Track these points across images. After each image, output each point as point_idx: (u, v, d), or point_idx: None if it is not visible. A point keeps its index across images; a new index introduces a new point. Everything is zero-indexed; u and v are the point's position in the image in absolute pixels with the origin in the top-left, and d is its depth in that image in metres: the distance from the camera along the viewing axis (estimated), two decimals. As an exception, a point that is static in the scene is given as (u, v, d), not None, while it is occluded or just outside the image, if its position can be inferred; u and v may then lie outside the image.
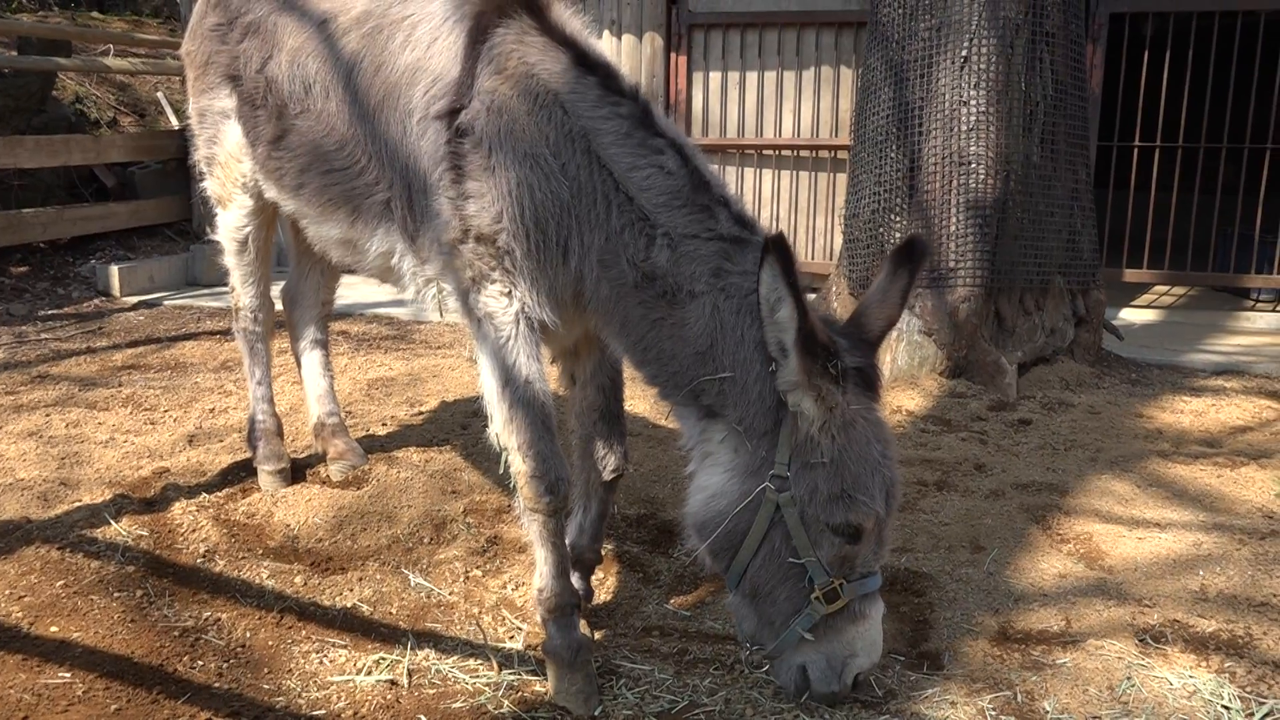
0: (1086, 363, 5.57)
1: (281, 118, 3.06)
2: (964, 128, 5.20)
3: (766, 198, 8.25)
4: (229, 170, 3.52)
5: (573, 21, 2.66)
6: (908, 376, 5.20)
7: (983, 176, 5.17)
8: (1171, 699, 2.53)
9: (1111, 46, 7.62)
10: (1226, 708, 2.48)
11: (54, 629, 2.80)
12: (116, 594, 2.99)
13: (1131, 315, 7.67)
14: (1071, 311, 5.60)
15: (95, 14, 13.45)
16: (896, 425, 4.69)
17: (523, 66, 2.50)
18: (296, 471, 3.99)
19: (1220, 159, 7.95)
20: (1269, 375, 5.78)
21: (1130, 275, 7.85)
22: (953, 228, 5.20)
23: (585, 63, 2.51)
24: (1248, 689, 2.57)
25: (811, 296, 6.41)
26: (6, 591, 2.97)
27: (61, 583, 3.04)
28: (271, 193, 3.31)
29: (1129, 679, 2.61)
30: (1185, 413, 4.99)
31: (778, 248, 2.11)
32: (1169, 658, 2.73)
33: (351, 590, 3.12)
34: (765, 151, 8.22)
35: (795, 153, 8.13)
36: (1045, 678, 2.64)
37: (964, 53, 5.22)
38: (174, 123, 10.06)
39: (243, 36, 3.27)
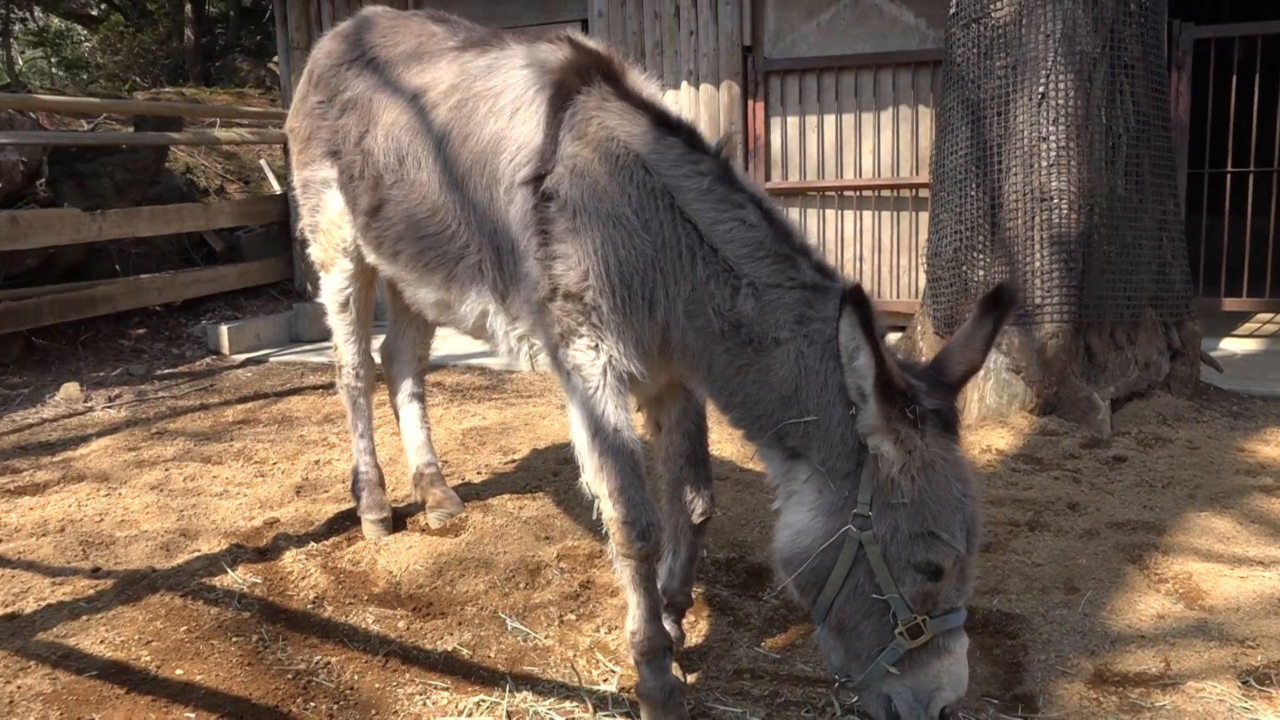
0: (1184, 396, 5.45)
1: (378, 188, 3.26)
2: (1044, 164, 5.19)
3: (849, 238, 8.28)
4: (331, 237, 3.73)
5: (648, 85, 2.79)
6: (997, 415, 5.16)
7: (1065, 211, 5.15)
8: (1276, 741, 2.48)
9: (1198, 72, 7.50)
10: (1336, 751, 2.43)
11: (179, 671, 2.98)
12: (234, 638, 3.17)
13: (1233, 345, 7.45)
14: (1166, 344, 5.49)
15: (202, 88, 14.25)
16: (986, 464, 4.66)
17: (604, 131, 2.63)
18: (397, 520, 4.15)
19: (1320, 182, 7.71)
20: (1381, 404, 5.56)
21: (1230, 304, 7.64)
22: (1037, 264, 5.18)
23: (665, 123, 2.63)
24: (1359, 731, 2.51)
25: (896, 336, 6.41)
26: (135, 636, 3.18)
27: (185, 628, 3.23)
28: (371, 258, 3.51)
29: (1231, 721, 2.57)
30: (1291, 446, 4.85)
31: (855, 298, 2.18)
32: (1274, 701, 2.67)
33: (452, 634, 3.24)
34: (846, 192, 8.26)
35: (876, 192, 8.15)
36: None
37: (1041, 89, 5.22)
38: (276, 188, 10.58)
39: (341, 113, 3.49)
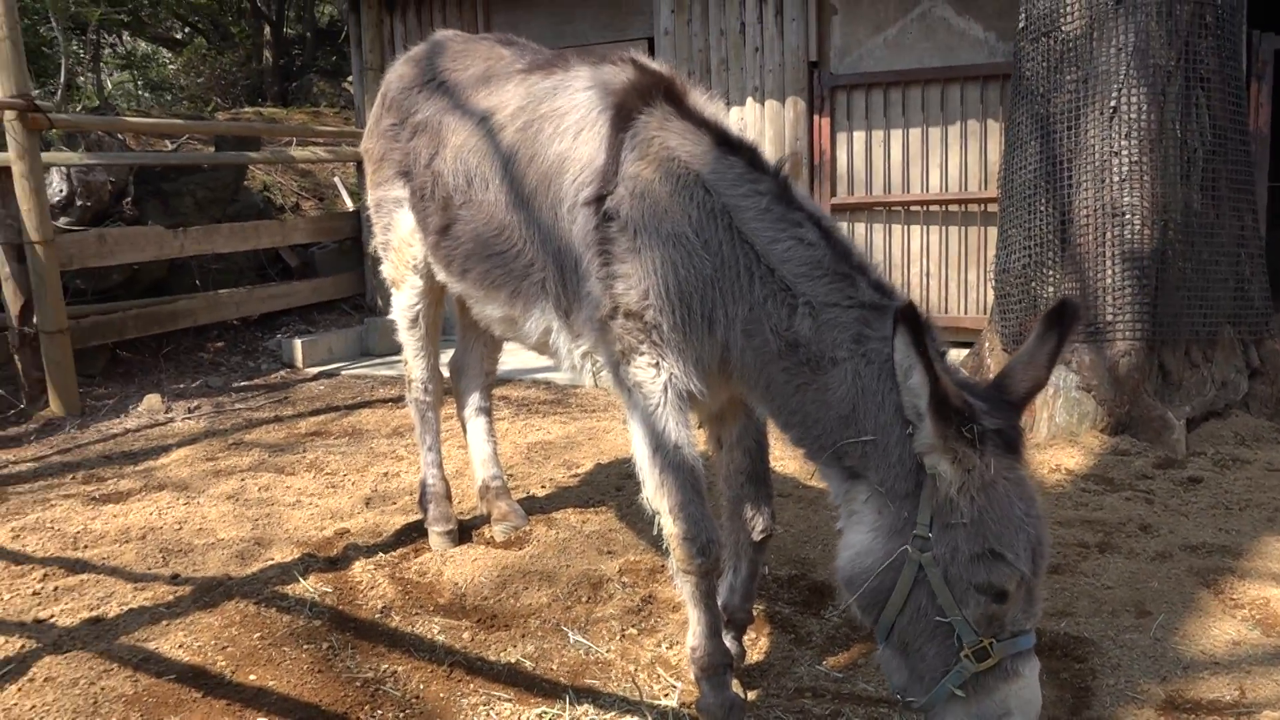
0: (1264, 416, 5.29)
1: (447, 208, 3.34)
2: (1116, 179, 5.10)
3: (916, 253, 8.20)
4: (402, 254, 3.83)
5: (710, 105, 2.81)
6: (1067, 434, 5.07)
7: (1138, 227, 5.05)
8: (1357, 774, 2.41)
9: (1278, 83, 7.29)
10: None
11: (253, 677, 3.08)
12: (305, 646, 3.26)
13: (1317, 363, 7.20)
14: (1244, 363, 5.35)
15: (279, 107, 14.66)
16: (1055, 484, 4.57)
17: (665, 151, 2.66)
18: (463, 532, 4.23)
19: None
20: None
21: (1314, 321, 7.39)
22: (1108, 280, 5.08)
23: (726, 143, 2.65)
24: None
25: (963, 353, 6.34)
26: (212, 641, 3.28)
27: (258, 635, 3.33)
28: (441, 275, 3.60)
29: (1309, 752, 2.50)
30: (1378, 468, 4.68)
31: (907, 316, 2.15)
32: (1355, 731, 2.59)
33: (515, 646, 3.29)
34: (913, 207, 8.19)
35: (944, 207, 8.07)
36: (1216, 749, 2.55)
37: (1113, 103, 5.13)
38: (349, 205, 10.83)
39: (413, 135, 3.59)
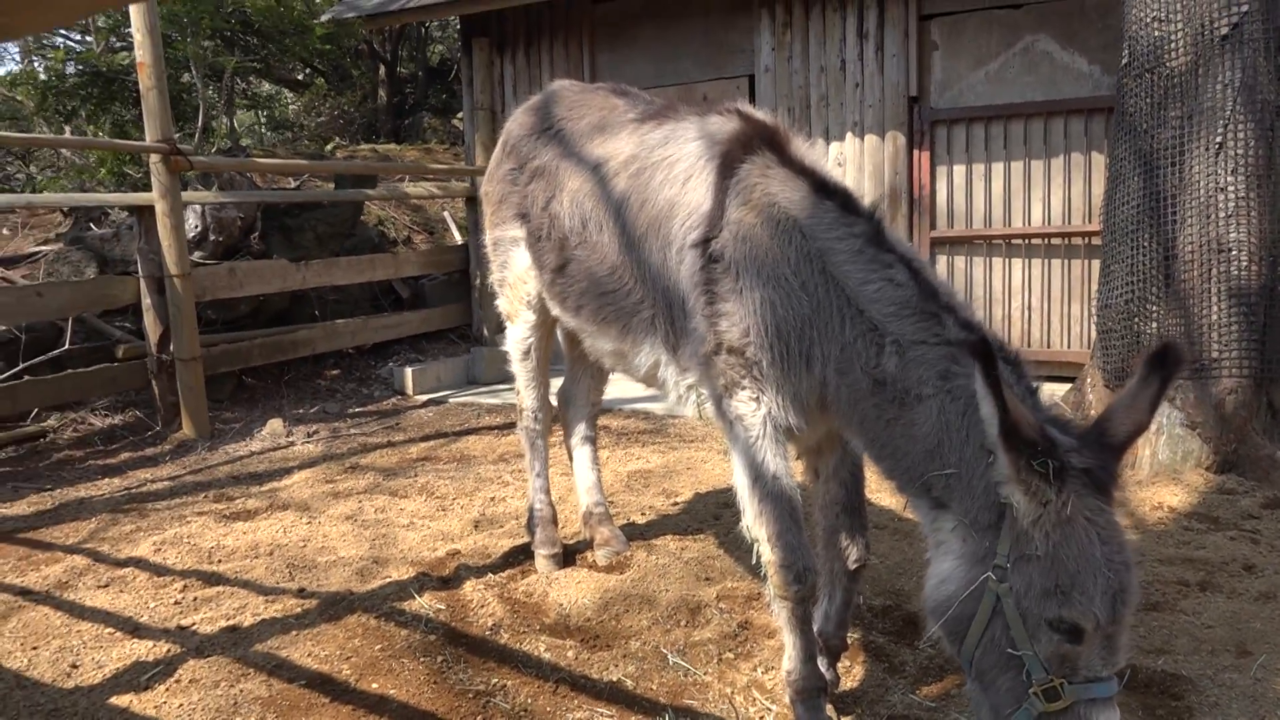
0: (1383, 457, 5.14)
1: (563, 249, 3.56)
2: (1222, 214, 5.06)
3: (1018, 287, 8.16)
4: (517, 290, 4.07)
5: (811, 153, 2.96)
6: (1170, 471, 5.02)
7: (1245, 263, 4.99)
8: None
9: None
10: None
11: (374, 685, 3.31)
12: (422, 658, 3.48)
13: None
14: (1360, 401, 5.21)
15: (393, 144, 15.30)
16: (1157, 521, 4.54)
17: (766, 197, 2.82)
18: (567, 556, 4.42)
19: None
20: None
21: None
22: (1214, 317, 5.03)
23: (824, 189, 2.79)
24: None
25: (1065, 388, 6.30)
26: (336, 651, 3.53)
27: (379, 646, 3.57)
28: (555, 311, 3.82)
29: None
30: None
31: (979, 350, 2.19)
32: None
33: (616, 666, 3.44)
34: (1014, 241, 8.16)
35: (1046, 241, 8.02)
36: (1315, 790, 2.55)
37: (1219, 139, 5.10)
38: (458, 238, 11.26)
39: (531, 179, 3.83)
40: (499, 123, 10.19)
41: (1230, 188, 5.06)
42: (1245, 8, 5.11)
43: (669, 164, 3.14)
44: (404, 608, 3.91)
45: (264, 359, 8.34)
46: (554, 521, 4.38)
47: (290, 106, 17.98)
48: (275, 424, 7.56)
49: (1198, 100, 5.20)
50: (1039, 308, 8.07)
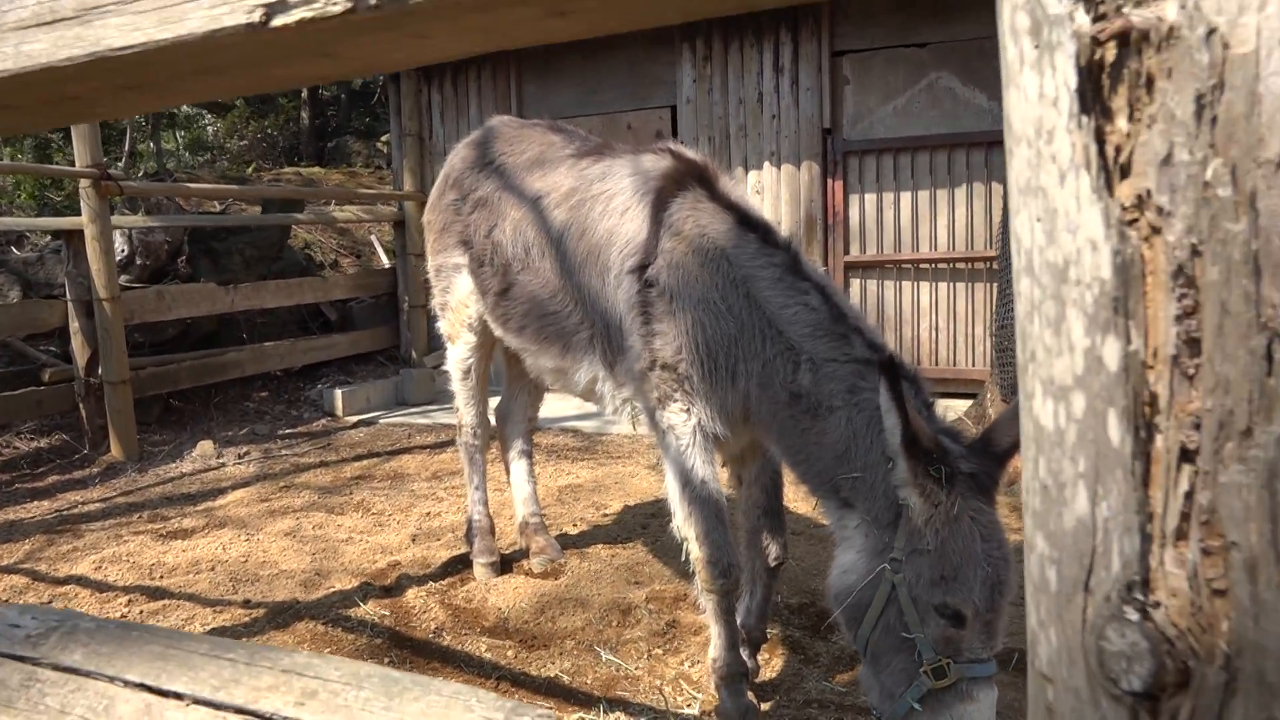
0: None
1: (506, 274, 3.82)
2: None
3: (925, 308, 8.65)
4: (459, 314, 4.31)
5: (736, 189, 3.28)
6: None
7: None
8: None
9: None
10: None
11: (326, 686, 3.48)
12: (369, 660, 3.67)
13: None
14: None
15: (316, 167, 15.33)
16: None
17: (697, 229, 3.12)
18: (504, 564, 4.64)
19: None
20: None
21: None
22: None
23: (747, 222, 3.09)
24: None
25: (968, 403, 6.74)
26: (287, 657, 3.70)
27: (328, 650, 3.75)
28: (498, 332, 4.07)
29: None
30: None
31: (885, 368, 2.50)
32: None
33: (553, 663, 3.68)
34: (922, 265, 8.65)
35: (951, 265, 8.53)
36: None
37: (1101, 174, 5.58)
38: (385, 262, 11.39)
39: (473, 209, 4.08)
40: (426, 149, 10.39)
41: (1111, 218, 5.54)
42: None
43: (607, 197, 3.42)
44: (350, 614, 4.09)
45: (192, 381, 8.37)
46: (491, 532, 4.61)
47: (210, 129, 17.85)
48: (206, 445, 7.61)
49: (1081, 138, 5.68)
50: (945, 328, 8.56)
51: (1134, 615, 0.77)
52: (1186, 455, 0.74)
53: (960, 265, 8.49)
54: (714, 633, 3.18)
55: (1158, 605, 0.76)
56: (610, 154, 3.61)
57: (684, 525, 3.11)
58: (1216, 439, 0.73)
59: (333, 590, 4.38)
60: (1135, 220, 0.75)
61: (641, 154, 3.47)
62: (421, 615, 4.11)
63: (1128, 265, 0.75)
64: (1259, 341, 0.70)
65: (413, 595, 4.30)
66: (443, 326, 4.48)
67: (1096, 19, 0.75)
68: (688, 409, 3.08)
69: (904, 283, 8.77)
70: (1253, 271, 0.70)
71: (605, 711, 3.30)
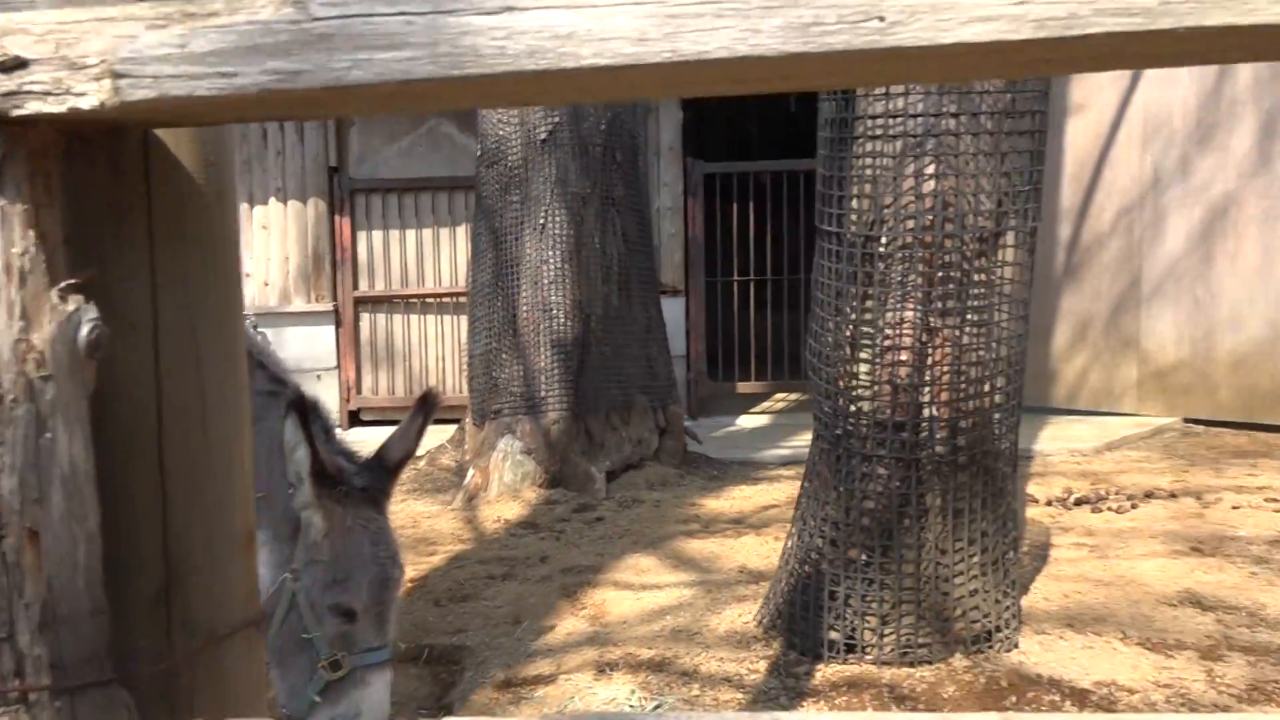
0: (672, 465, 6.76)
1: None
2: (546, 281, 6.36)
3: (431, 339, 9.23)
4: None
5: None
6: (512, 490, 6.16)
7: (563, 320, 6.33)
8: (595, 705, 3.49)
9: (709, 199, 9.22)
10: (632, 706, 3.46)
11: None
12: None
13: (747, 421, 9.09)
14: (654, 424, 6.80)
15: None
16: (492, 531, 5.60)
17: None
18: None
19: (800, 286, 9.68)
20: (820, 462, 7.18)
21: (743, 387, 9.36)
22: (543, 363, 6.30)
23: None
24: (656, 693, 3.57)
25: (452, 428, 7.33)
26: None
27: None
28: None
29: (574, 698, 3.55)
30: (735, 498, 6.22)
31: (297, 404, 2.71)
32: (611, 679, 3.70)
33: None
34: (427, 299, 9.23)
35: (454, 299, 9.17)
36: (520, 707, 3.54)
37: (542, 221, 6.41)
38: None
39: None
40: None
41: (551, 260, 6.38)
42: (558, 118, 6.49)
43: None
44: None
45: None
46: None
47: None
48: None
49: (528, 189, 6.48)
50: (450, 358, 9.19)
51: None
52: None
53: (462, 299, 9.12)
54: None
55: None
56: None
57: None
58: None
59: None
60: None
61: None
62: None
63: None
64: None
65: None
66: None
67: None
68: None
69: (411, 316, 9.28)
70: None
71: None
